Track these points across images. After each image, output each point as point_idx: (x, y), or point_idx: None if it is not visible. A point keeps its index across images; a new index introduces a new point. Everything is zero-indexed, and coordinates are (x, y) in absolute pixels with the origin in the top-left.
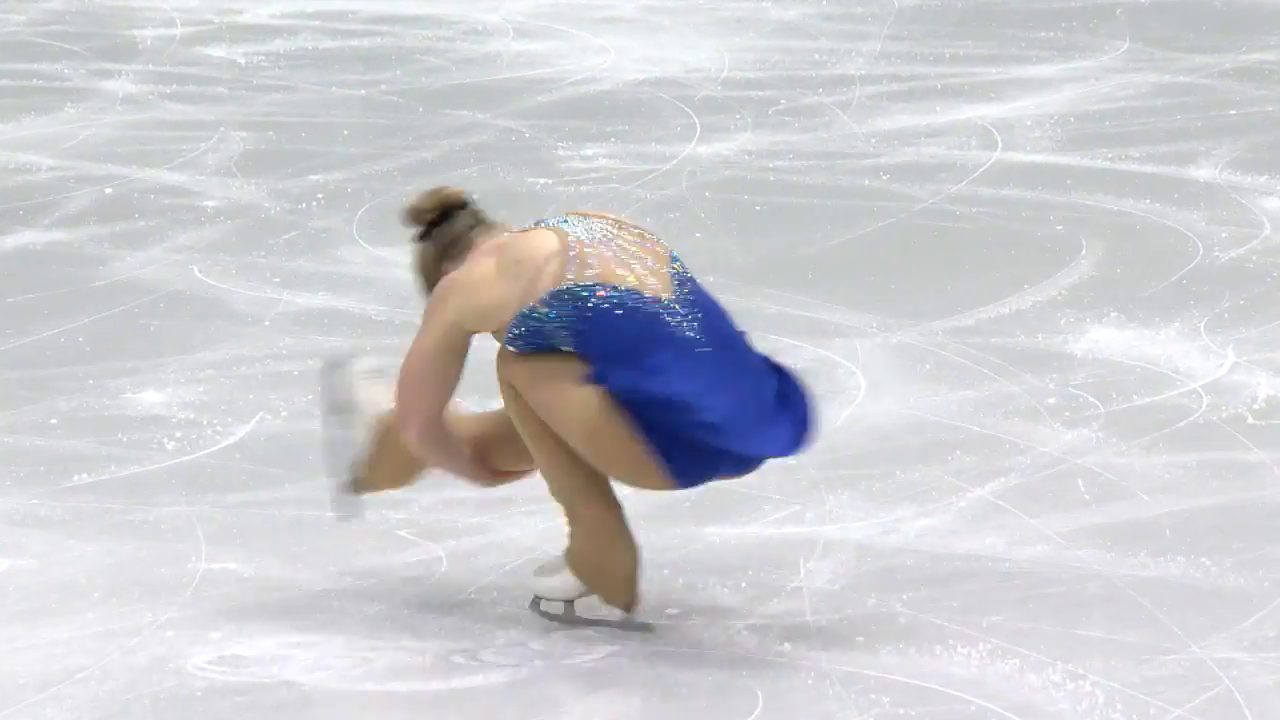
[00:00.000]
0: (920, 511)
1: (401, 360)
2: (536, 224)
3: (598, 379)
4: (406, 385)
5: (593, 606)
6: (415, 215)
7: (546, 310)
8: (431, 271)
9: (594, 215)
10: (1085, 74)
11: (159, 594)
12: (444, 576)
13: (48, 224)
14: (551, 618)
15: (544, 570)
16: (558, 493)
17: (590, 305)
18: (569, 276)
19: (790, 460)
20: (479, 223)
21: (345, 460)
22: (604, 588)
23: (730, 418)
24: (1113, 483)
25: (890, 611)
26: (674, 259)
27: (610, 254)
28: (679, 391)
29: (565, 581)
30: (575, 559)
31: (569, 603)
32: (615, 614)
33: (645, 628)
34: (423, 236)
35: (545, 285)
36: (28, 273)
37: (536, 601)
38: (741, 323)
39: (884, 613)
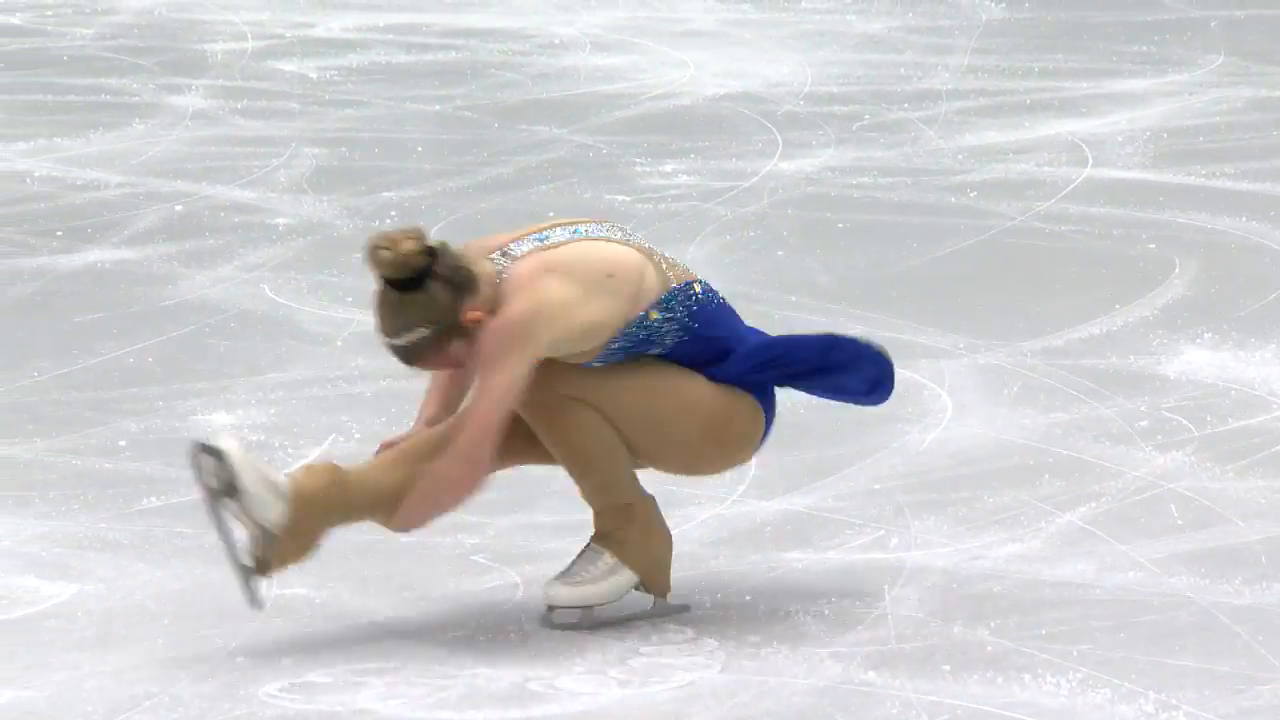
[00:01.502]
0: (1008, 537)
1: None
2: (537, 237)
3: (720, 364)
4: (485, 430)
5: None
6: (407, 263)
7: (660, 315)
8: (451, 314)
9: (579, 221)
10: (1179, 89)
11: (229, 619)
12: (520, 602)
13: (116, 242)
14: (568, 627)
15: (583, 579)
16: (609, 492)
17: (696, 302)
18: (670, 278)
19: (875, 486)
20: (458, 252)
21: (245, 546)
22: (659, 577)
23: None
24: (1206, 508)
25: (977, 639)
26: None
27: (657, 252)
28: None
29: (620, 581)
30: (635, 554)
31: (587, 609)
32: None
33: (683, 608)
34: (414, 284)
35: (653, 291)
36: (96, 292)
37: (550, 613)
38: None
39: (971, 641)
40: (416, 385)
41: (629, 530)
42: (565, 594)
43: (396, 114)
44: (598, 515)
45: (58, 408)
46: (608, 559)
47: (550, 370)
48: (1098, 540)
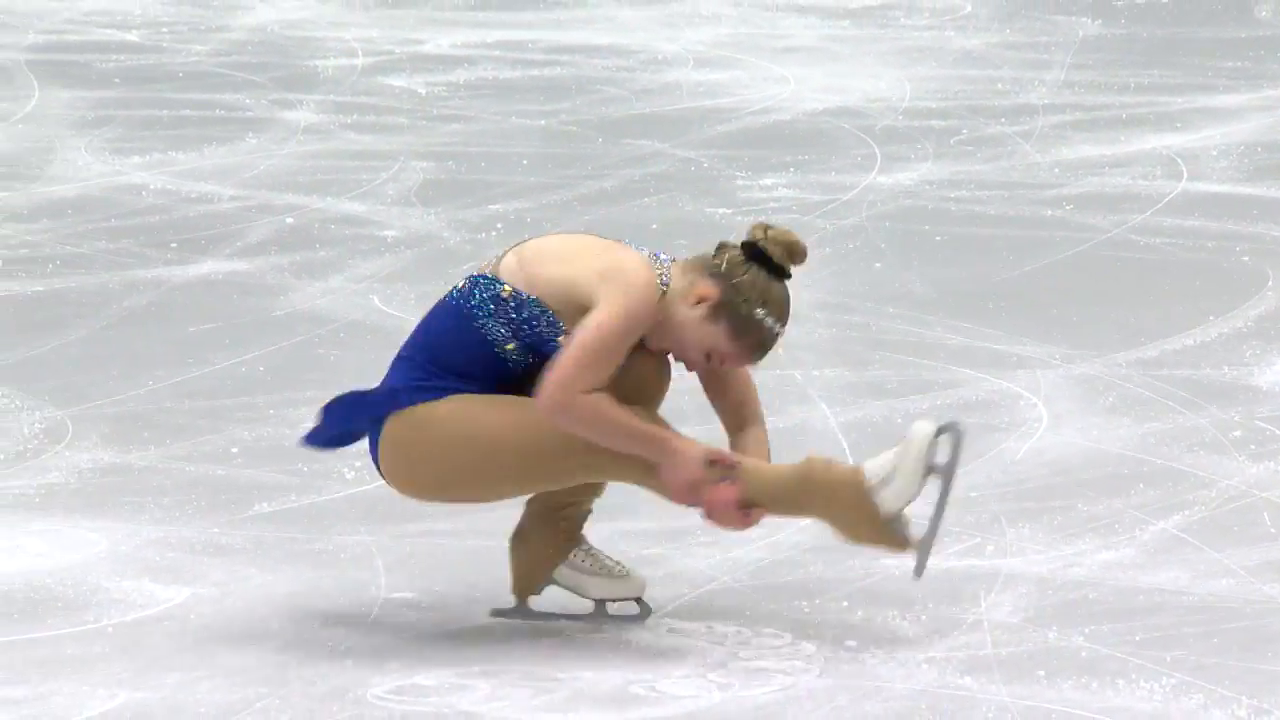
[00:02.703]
0: (1102, 544)
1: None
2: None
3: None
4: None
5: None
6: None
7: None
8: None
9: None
10: (1273, 103)
11: (338, 623)
12: (622, 607)
13: (229, 254)
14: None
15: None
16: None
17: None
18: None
19: (972, 494)
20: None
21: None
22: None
23: None
24: None
25: (1072, 645)
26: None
27: None
28: None
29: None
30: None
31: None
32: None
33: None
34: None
35: None
36: (209, 302)
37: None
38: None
39: (1066, 646)
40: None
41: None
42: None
43: (503, 128)
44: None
45: (172, 416)
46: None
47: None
48: (1191, 548)
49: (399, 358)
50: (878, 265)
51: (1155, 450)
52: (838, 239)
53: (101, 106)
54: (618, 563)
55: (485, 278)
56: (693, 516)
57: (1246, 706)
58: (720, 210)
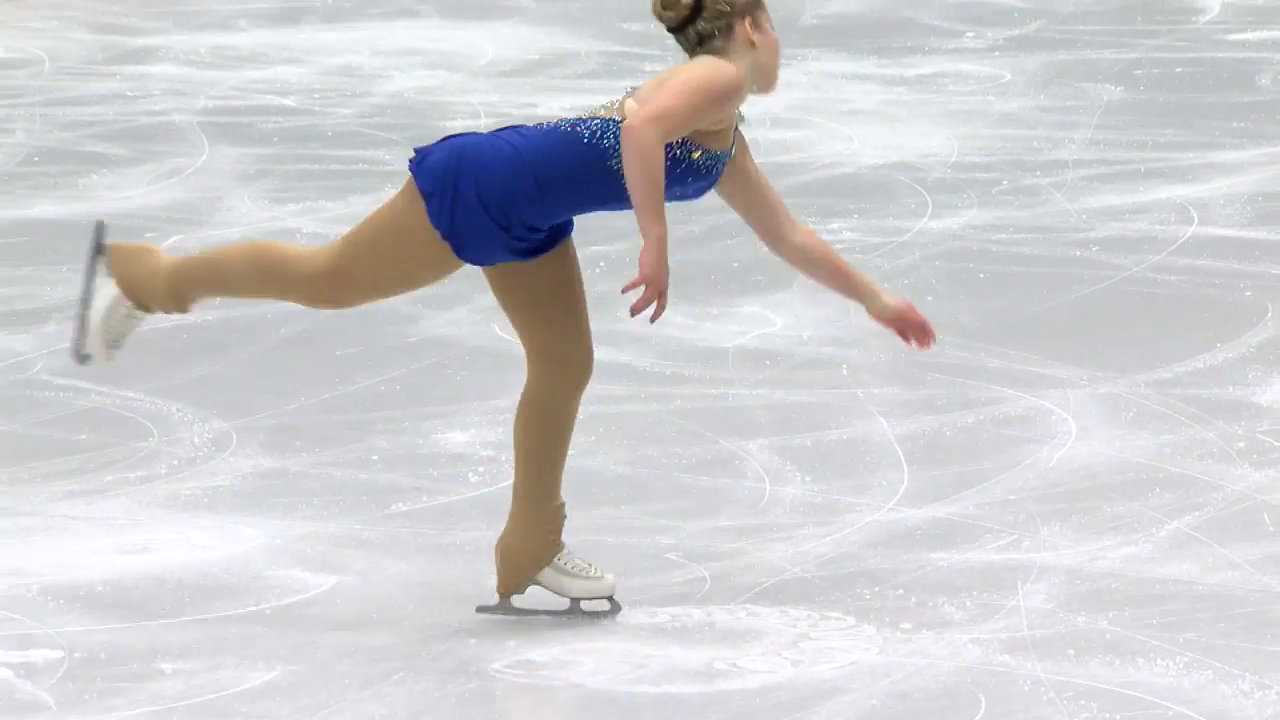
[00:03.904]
0: (1124, 541)
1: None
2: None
3: None
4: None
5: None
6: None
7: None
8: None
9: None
10: (1273, 159)
11: (464, 607)
12: (707, 594)
13: None
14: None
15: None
16: None
17: None
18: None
19: (1010, 496)
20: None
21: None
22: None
23: None
24: None
25: (1098, 628)
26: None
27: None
28: None
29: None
30: None
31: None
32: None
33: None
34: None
35: None
36: (353, 330)
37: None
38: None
39: (1092, 629)
40: (613, 408)
41: None
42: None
43: None
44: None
45: (321, 427)
46: None
47: None
48: (1201, 544)
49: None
50: (929, 298)
51: (1170, 459)
52: (894, 276)
53: (262, 161)
54: (590, 564)
55: (615, 122)
56: (769, 518)
57: (1249, 682)
58: None
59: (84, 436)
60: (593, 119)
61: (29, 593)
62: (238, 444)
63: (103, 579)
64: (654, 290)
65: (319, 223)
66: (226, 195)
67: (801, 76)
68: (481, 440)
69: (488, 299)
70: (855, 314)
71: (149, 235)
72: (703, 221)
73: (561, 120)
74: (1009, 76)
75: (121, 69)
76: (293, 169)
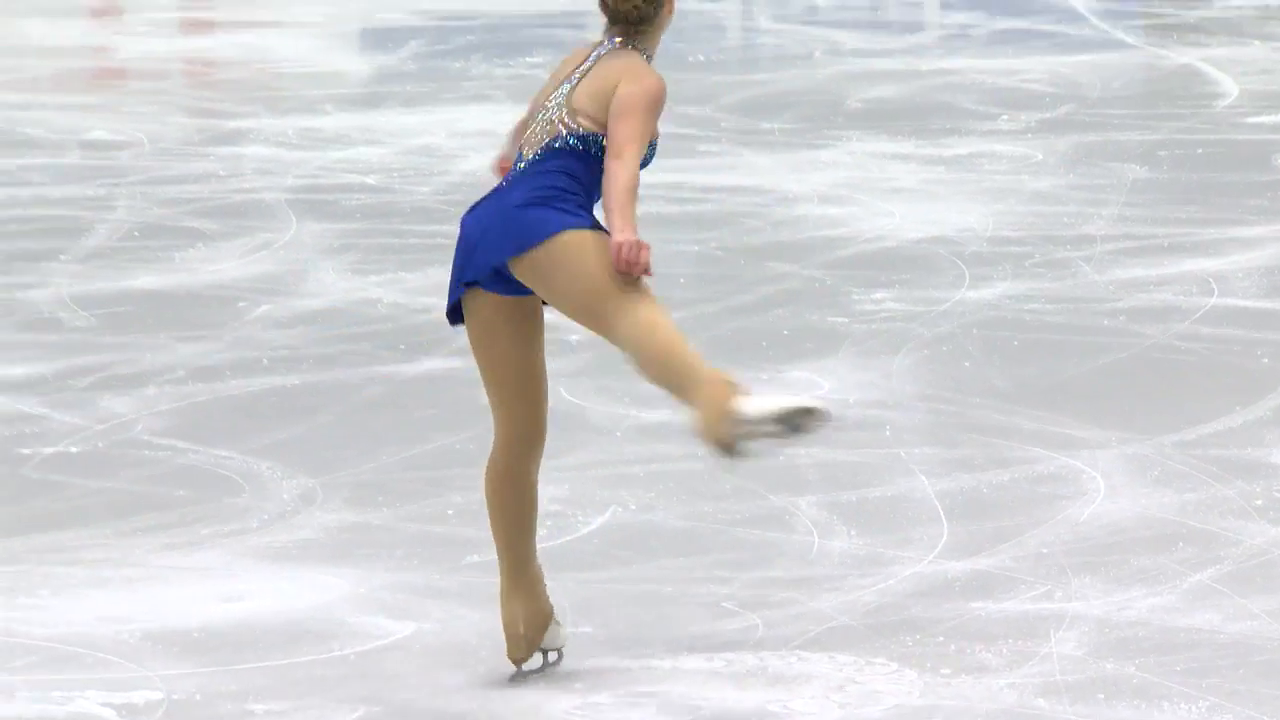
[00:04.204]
0: (1150, 592)
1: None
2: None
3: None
4: (636, 155)
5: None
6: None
7: None
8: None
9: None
10: None
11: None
12: (760, 640)
13: (446, 353)
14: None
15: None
16: None
17: None
18: None
19: (1043, 550)
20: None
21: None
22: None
23: None
24: None
25: (1126, 674)
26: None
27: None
28: None
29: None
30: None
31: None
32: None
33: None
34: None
35: None
36: (431, 393)
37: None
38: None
39: (1121, 675)
40: (671, 466)
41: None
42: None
43: (664, 253)
44: None
45: (401, 484)
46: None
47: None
48: (1222, 595)
49: (528, 202)
50: (966, 364)
51: (1192, 515)
52: (934, 343)
53: (345, 236)
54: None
55: (591, 135)
56: (818, 569)
57: None
58: (840, 319)
59: (181, 493)
60: (559, 137)
61: (131, 638)
62: (323, 499)
63: (198, 625)
64: (631, 246)
65: (399, 293)
66: (312, 268)
67: (846, 156)
68: (549, 495)
69: (554, 364)
70: (897, 379)
71: (240, 305)
72: (755, 292)
73: (544, 145)
74: (1040, 156)
75: (215, 150)
76: (374, 243)
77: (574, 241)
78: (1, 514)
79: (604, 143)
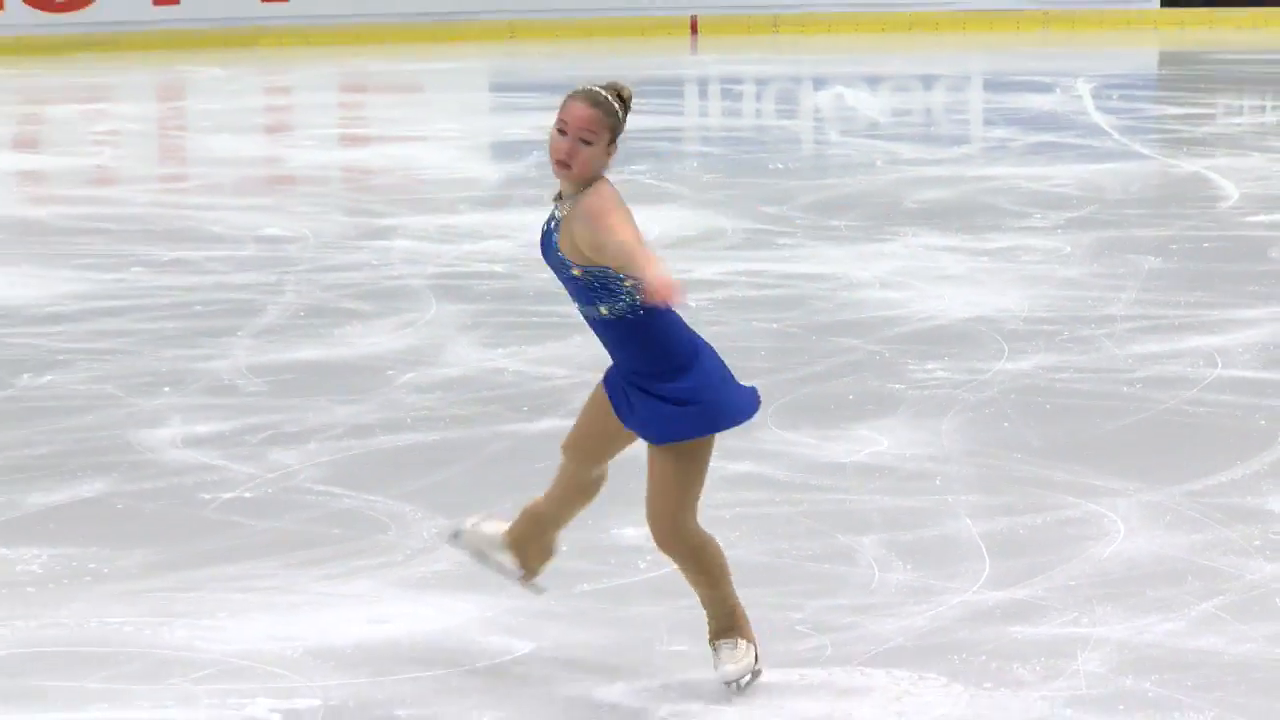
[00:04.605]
0: (1163, 619)
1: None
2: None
3: None
4: (638, 245)
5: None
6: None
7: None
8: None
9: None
10: None
11: (636, 668)
12: (828, 658)
13: (562, 414)
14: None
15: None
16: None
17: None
18: None
19: (1071, 582)
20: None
21: (513, 574)
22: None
23: None
24: None
25: (1142, 688)
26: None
27: None
28: None
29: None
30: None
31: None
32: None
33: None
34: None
35: None
36: (546, 448)
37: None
38: (1018, 484)
39: (1138, 689)
40: (754, 510)
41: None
42: (735, 670)
43: (747, 330)
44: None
45: None
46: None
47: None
48: (1226, 622)
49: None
50: (1005, 424)
51: (1200, 554)
52: (977, 406)
53: (477, 315)
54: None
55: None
56: (878, 598)
57: None
58: (897, 385)
59: (337, 531)
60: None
61: (295, 653)
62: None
63: (351, 643)
64: (664, 286)
65: (522, 363)
66: (449, 342)
67: (903, 249)
68: (649, 536)
69: None
70: (946, 437)
71: (389, 373)
72: (824, 363)
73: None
74: (1069, 249)
75: (368, 243)
76: (501, 321)
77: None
78: (186, 549)
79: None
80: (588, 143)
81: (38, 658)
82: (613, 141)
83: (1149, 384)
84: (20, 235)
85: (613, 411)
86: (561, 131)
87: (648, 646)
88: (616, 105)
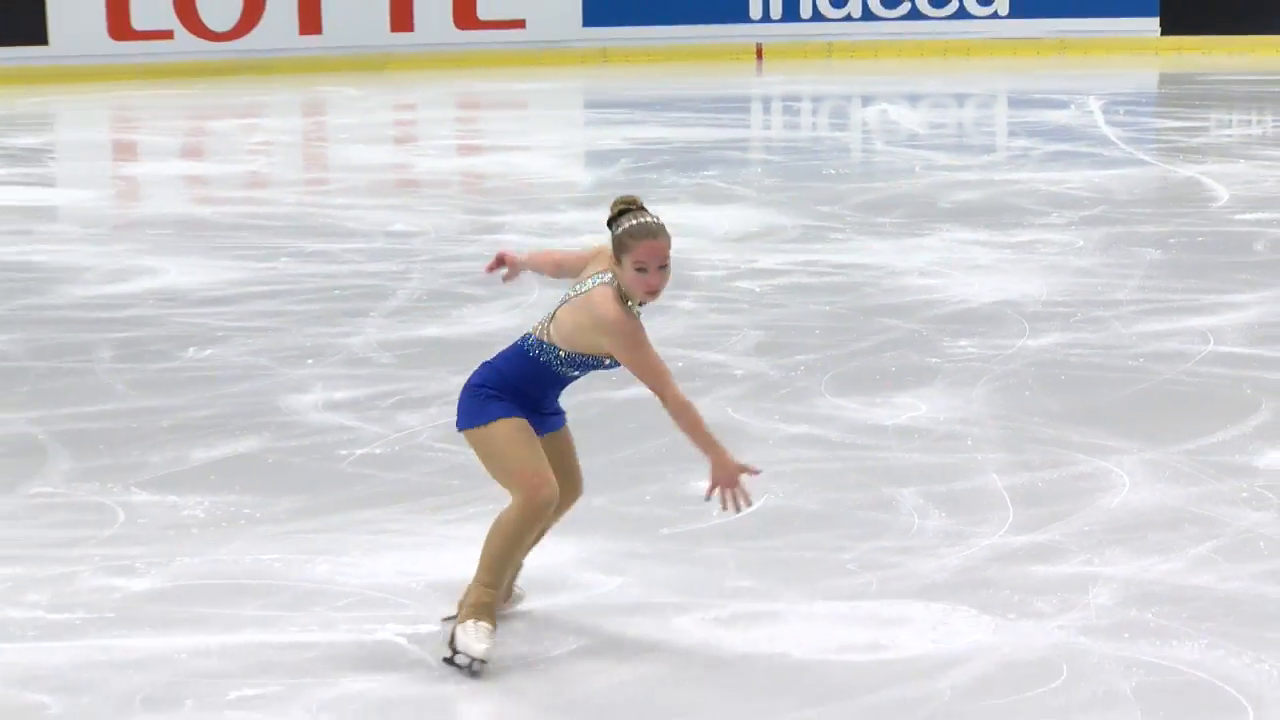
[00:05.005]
0: (1163, 559)
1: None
2: (601, 277)
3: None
4: (665, 378)
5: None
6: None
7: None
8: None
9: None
10: (1265, 300)
11: (707, 602)
12: (874, 592)
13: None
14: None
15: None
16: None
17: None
18: None
19: (1085, 528)
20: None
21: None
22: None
23: None
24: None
25: (1144, 619)
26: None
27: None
28: None
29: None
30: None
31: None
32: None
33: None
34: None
35: None
36: (634, 411)
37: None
38: (1038, 444)
39: (1141, 620)
40: (811, 466)
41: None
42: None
43: (803, 312)
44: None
45: (613, 477)
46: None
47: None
48: (1217, 563)
49: (483, 383)
50: (1026, 393)
51: (1196, 503)
52: (1003, 377)
53: None
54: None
55: (546, 345)
56: (917, 541)
57: (1250, 657)
58: (933, 359)
59: (455, 483)
60: (530, 335)
61: (418, 587)
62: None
63: (464, 577)
64: (729, 486)
65: None
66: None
67: (938, 242)
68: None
69: (723, 391)
70: (976, 403)
71: (498, 346)
72: (871, 340)
73: (521, 337)
74: (1081, 243)
75: (481, 237)
76: None
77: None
78: (326, 498)
79: (560, 354)
80: (667, 266)
81: (201, 589)
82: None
83: (1151, 358)
84: (187, 231)
85: (537, 434)
86: (640, 268)
87: (718, 581)
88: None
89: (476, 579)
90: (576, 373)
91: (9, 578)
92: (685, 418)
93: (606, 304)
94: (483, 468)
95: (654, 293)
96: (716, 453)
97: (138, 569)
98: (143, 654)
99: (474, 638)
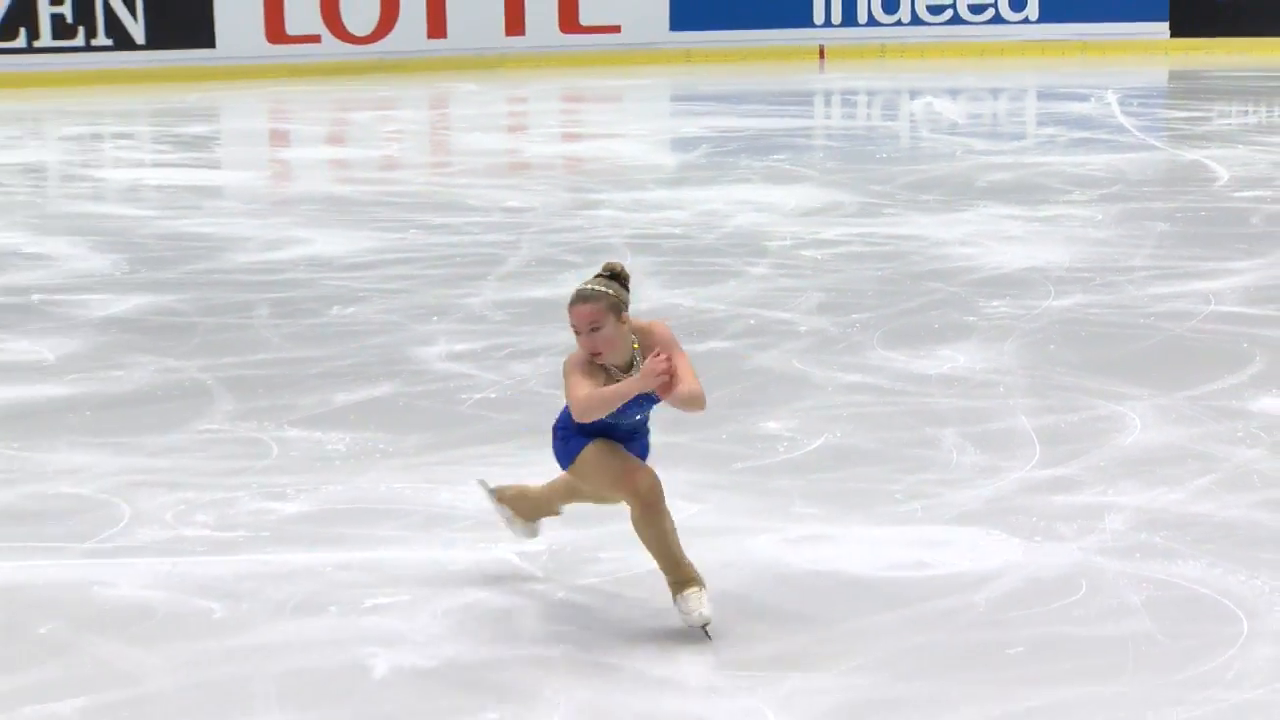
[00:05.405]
0: (1170, 491)
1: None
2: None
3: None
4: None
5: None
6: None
7: None
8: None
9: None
10: (1260, 267)
11: (779, 527)
12: (919, 518)
13: (722, 338)
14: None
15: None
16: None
17: None
18: None
19: (1101, 464)
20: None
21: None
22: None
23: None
24: (1271, 477)
25: (1153, 541)
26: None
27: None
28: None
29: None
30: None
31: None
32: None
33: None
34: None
35: None
36: (710, 362)
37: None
38: (1060, 390)
39: (1150, 542)
40: (864, 410)
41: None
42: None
43: (858, 276)
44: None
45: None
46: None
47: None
48: (1216, 493)
49: (564, 425)
50: (1051, 347)
51: (1198, 442)
52: (1031, 333)
53: (660, 266)
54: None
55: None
56: (957, 475)
57: (1245, 574)
58: (971, 318)
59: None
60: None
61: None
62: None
63: (571, 505)
64: (661, 378)
65: (694, 300)
66: (640, 285)
67: (976, 217)
68: (787, 428)
69: (795, 345)
70: (1008, 355)
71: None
72: (917, 301)
73: None
74: (1100, 217)
75: (582, 213)
76: (678, 269)
77: (574, 472)
78: (448, 435)
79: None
80: (599, 328)
81: (342, 512)
82: (622, 313)
83: (1160, 317)
84: (332, 207)
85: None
86: (577, 331)
87: (784, 508)
88: (605, 287)
89: (664, 574)
90: (622, 417)
91: (181, 501)
92: (595, 402)
93: (568, 359)
94: (596, 495)
95: (594, 354)
96: (630, 385)
97: (289, 495)
98: (293, 567)
99: (693, 604)
